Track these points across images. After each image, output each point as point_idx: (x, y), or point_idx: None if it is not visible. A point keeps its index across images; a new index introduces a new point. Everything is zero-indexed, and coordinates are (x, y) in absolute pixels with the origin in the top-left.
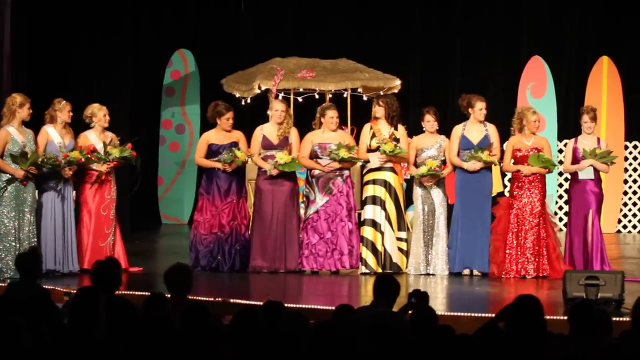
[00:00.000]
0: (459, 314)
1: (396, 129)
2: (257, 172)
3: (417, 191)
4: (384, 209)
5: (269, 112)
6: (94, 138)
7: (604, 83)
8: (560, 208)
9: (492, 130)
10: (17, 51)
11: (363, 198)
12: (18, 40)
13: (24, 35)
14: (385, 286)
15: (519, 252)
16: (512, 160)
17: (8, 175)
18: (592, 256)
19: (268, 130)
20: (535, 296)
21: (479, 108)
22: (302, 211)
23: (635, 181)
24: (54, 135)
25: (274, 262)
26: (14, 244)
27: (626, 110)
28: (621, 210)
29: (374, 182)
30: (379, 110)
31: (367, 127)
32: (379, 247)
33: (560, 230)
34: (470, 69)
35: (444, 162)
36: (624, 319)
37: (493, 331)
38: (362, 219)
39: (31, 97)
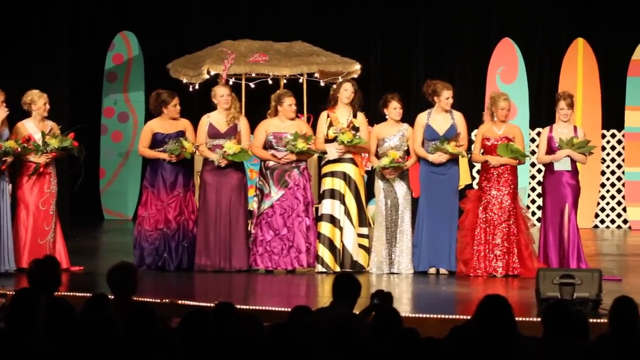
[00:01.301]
0: (424, 315)
1: (355, 116)
2: (202, 162)
3: (379, 184)
4: (343, 203)
5: (213, 100)
6: (32, 127)
7: (579, 67)
8: (534, 202)
9: (459, 119)
10: None
11: (321, 192)
12: None
13: None
14: (345, 286)
15: (488, 249)
16: (482, 150)
17: None
18: (568, 253)
19: (215, 118)
20: (502, 296)
21: (445, 97)
22: (255, 205)
23: (613, 172)
24: None
25: (218, 261)
26: None
27: (603, 97)
28: (598, 204)
29: (332, 174)
30: (344, 95)
31: (324, 115)
32: (337, 244)
33: (534, 225)
34: (435, 52)
35: (407, 153)
36: (602, 320)
37: (460, 334)
38: (319, 214)
39: None
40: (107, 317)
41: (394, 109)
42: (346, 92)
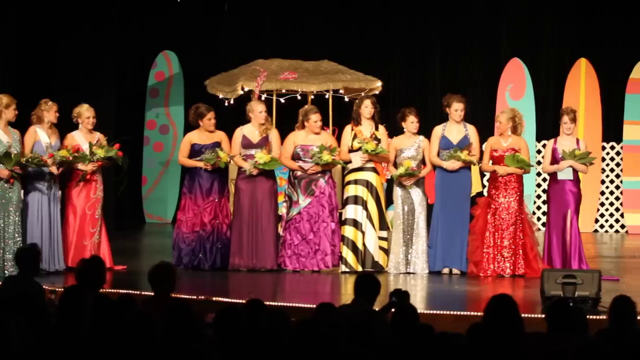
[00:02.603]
0: (439, 312)
1: (377, 129)
2: (237, 171)
3: (397, 191)
4: (366, 208)
5: (250, 115)
6: (80, 138)
7: (582, 85)
8: (539, 208)
9: (471, 131)
10: (5, 51)
11: (345, 198)
12: (7, 40)
13: (13, 35)
14: (366, 285)
15: (496, 252)
16: (491, 161)
17: None
18: (570, 255)
19: (248, 130)
20: (508, 295)
21: (455, 109)
22: (284, 210)
23: (612, 181)
24: (41, 135)
25: (250, 260)
26: None
27: (603, 112)
28: (598, 210)
29: (355, 182)
30: (365, 111)
31: (348, 128)
32: (360, 246)
33: (539, 229)
34: (450, 71)
35: (423, 162)
36: (601, 317)
37: (478, 331)
38: (343, 218)
39: (17, 97)
40: (144, 313)
41: (411, 122)
42: (367, 108)
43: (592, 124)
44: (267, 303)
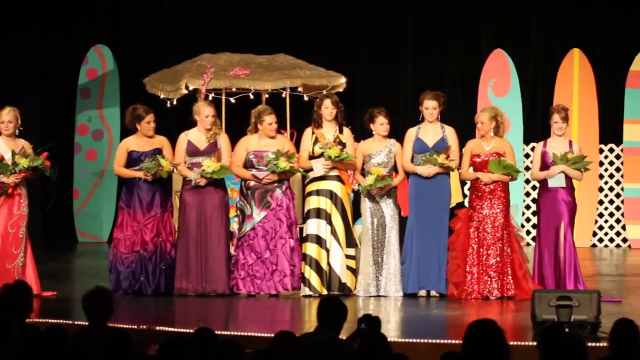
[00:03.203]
0: (414, 340)
1: (341, 132)
2: (182, 182)
3: (365, 203)
4: (330, 223)
5: (196, 117)
6: (2, 146)
7: (575, 79)
8: (528, 220)
9: (450, 133)
10: None
11: (305, 211)
12: None
13: None
14: (331, 310)
15: (481, 271)
16: (471, 168)
17: None
18: (564, 274)
19: (194, 135)
20: (491, 320)
21: (426, 107)
22: (235, 226)
23: (611, 189)
24: None
25: (199, 283)
26: None
27: (600, 109)
28: (596, 221)
29: (317, 192)
30: (326, 112)
31: (308, 131)
32: (324, 266)
33: (528, 244)
34: (424, 65)
35: (395, 170)
36: (601, 344)
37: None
38: (304, 235)
39: None
40: (76, 346)
41: (380, 124)
42: (327, 109)
43: (587, 123)
44: (218, 332)
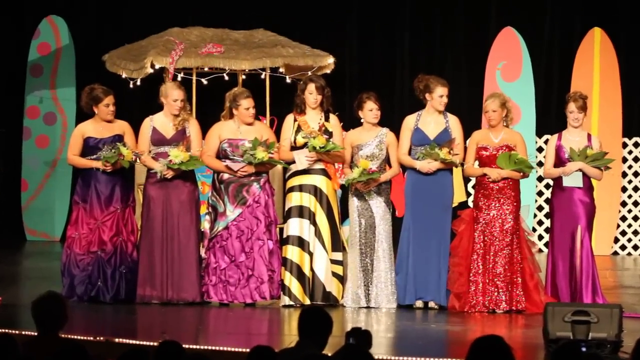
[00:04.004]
0: (409, 358)
1: (327, 119)
2: (146, 174)
3: (353, 201)
4: (314, 223)
5: (162, 100)
6: None
7: (595, 62)
8: (540, 223)
9: (453, 123)
10: None
11: (286, 209)
12: None
13: None
14: (314, 322)
15: (487, 280)
16: (477, 162)
17: None
18: (581, 285)
19: (160, 121)
20: (498, 336)
21: (439, 94)
22: (207, 225)
23: (636, 189)
24: None
25: (164, 290)
26: None
27: (624, 98)
28: (618, 226)
29: (300, 188)
30: (310, 98)
31: (290, 118)
32: (306, 272)
33: (540, 251)
34: (423, 44)
35: (387, 162)
36: None
37: None
38: (285, 236)
39: None
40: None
41: (369, 110)
42: (311, 95)
43: (609, 114)
44: (186, 346)
